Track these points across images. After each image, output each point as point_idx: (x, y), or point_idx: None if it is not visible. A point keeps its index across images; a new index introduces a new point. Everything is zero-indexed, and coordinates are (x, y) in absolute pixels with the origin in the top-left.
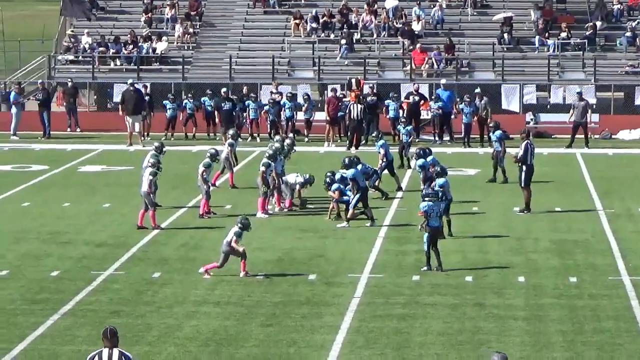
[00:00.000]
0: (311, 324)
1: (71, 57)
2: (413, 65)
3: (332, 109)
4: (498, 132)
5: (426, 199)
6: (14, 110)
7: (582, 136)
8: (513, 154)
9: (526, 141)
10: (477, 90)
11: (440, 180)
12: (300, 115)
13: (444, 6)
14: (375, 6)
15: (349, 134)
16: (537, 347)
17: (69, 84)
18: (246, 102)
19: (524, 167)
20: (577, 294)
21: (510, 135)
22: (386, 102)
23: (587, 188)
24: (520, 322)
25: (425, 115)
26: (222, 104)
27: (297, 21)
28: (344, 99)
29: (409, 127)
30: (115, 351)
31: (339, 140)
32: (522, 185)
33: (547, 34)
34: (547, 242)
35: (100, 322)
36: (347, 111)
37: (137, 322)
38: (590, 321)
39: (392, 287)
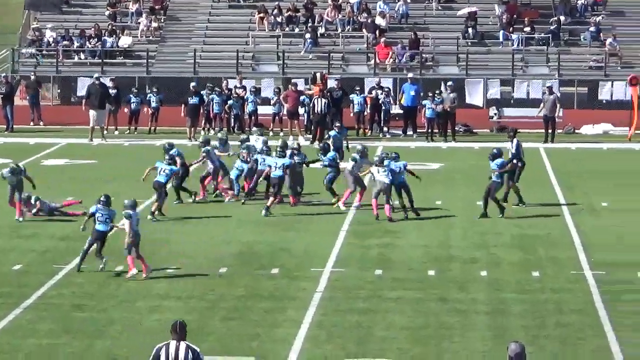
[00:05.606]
0: (274, 318)
1: (35, 51)
2: (377, 59)
3: (291, 103)
4: (499, 160)
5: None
6: None
7: (550, 130)
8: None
9: (516, 139)
10: (450, 83)
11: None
12: (266, 110)
13: (408, 0)
14: (340, 0)
15: (312, 128)
16: (500, 342)
17: (32, 77)
18: (210, 96)
19: (519, 164)
20: (539, 288)
21: (475, 130)
22: (351, 96)
23: (550, 182)
24: (483, 316)
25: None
26: (189, 98)
27: (262, 15)
28: (306, 92)
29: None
30: (182, 344)
31: (305, 135)
32: (517, 180)
33: (511, 29)
34: (510, 237)
35: (63, 316)
36: (311, 105)
37: (100, 316)
38: (552, 315)
39: (354, 281)
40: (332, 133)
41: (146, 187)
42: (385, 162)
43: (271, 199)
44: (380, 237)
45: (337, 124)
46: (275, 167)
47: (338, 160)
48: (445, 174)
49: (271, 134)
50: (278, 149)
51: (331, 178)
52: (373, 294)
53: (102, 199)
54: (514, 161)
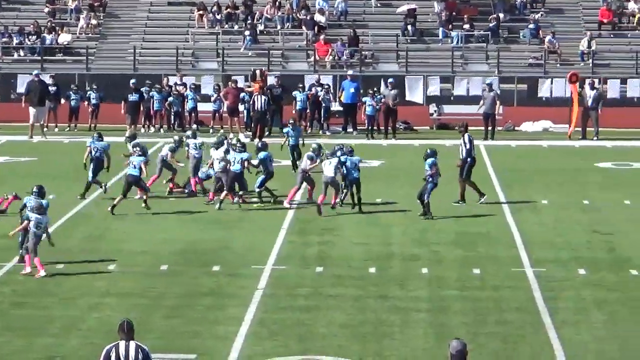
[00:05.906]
0: (215, 316)
1: None
2: (317, 56)
3: (231, 100)
4: (430, 160)
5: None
6: None
7: (490, 128)
8: (458, 162)
9: (467, 134)
10: (390, 80)
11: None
12: (207, 107)
13: None
14: None
15: (252, 125)
16: (441, 339)
17: None
18: (150, 93)
19: (469, 160)
20: (480, 286)
21: (415, 127)
22: (294, 93)
23: (491, 180)
24: (424, 314)
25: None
26: (129, 96)
27: (201, 12)
28: (246, 89)
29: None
30: (132, 344)
31: (245, 132)
32: (467, 176)
33: (450, 26)
34: (451, 234)
35: (3, 313)
36: (251, 102)
37: (41, 313)
38: (493, 313)
39: (295, 279)
40: (285, 130)
41: (83, 186)
42: (342, 157)
43: (224, 193)
44: (320, 235)
45: (291, 121)
46: (234, 162)
47: (270, 161)
48: (386, 171)
49: (211, 131)
50: (238, 145)
51: (262, 181)
52: (314, 291)
53: (34, 189)
54: (468, 159)
